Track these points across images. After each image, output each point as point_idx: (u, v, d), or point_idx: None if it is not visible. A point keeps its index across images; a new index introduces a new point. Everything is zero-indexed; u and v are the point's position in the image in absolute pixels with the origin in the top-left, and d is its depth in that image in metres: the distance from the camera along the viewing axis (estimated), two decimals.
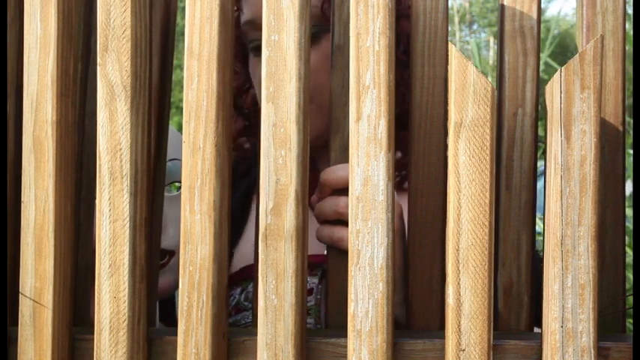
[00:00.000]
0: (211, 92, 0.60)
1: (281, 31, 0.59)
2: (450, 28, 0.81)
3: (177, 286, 0.91)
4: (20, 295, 0.62)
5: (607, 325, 0.65)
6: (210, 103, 0.60)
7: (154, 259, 0.71)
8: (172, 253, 0.87)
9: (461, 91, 0.56)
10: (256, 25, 0.84)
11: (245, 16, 0.87)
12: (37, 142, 0.61)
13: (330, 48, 0.69)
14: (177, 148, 0.84)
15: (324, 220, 0.70)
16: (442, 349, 0.60)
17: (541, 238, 0.78)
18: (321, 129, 0.80)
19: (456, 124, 0.56)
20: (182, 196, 0.60)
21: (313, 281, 0.90)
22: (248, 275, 0.94)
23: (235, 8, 0.89)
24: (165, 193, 0.88)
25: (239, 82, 0.97)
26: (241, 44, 0.93)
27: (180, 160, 0.81)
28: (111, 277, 0.60)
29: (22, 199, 0.62)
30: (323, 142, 0.73)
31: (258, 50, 0.86)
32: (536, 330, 0.65)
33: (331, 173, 0.67)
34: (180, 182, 0.88)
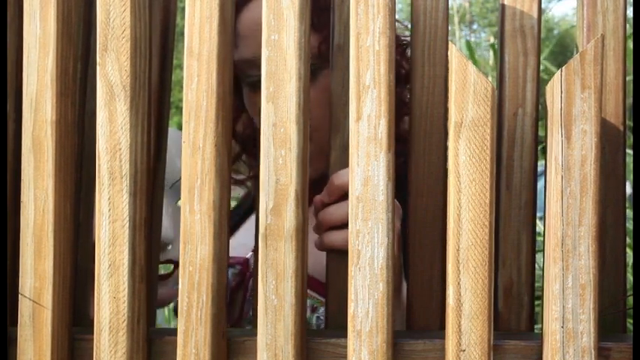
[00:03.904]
0: (211, 92, 0.60)
1: (281, 31, 0.59)
2: (450, 28, 0.81)
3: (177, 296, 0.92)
4: (20, 296, 0.61)
5: (607, 325, 0.65)
6: (209, 103, 0.60)
7: (154, 259, 0.71)
8: (178, 265, 0.88)
9: (461, 91, 0.56)
10: (254, 63, 0.85)
11: (242, 54, 0.87)
12: (36, 142, 0.61)
13: (329, 83, 0.69)
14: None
15: (330, 227, 0.69)
16: (442, 350, 0.60)
17: (541, 238, 0.78)
18: (323, 169, 0.79)
19: (456, 124, 0.56)
20: (182, 196, 0.60)
21: None
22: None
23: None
24: (178, 205, 0.88)
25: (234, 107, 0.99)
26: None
27: None
28: (110, 277, 0.60)
29: (22, 199, 0.62)
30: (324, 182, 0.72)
31: (254, 85, 0.88)
32: None
33: (346, 176, 0.66)
34: None
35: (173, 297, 0.90)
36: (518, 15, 0.66)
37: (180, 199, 0.89)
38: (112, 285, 0.60)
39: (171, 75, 0.74)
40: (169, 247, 0.86)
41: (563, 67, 0.56)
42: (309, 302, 0.89)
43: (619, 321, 0.66)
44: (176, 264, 0.88)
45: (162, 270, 0.88)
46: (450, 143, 0.57)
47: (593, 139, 0.56)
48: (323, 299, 0.84)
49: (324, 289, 0.77)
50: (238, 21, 0.88)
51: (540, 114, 0.67)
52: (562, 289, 0.56)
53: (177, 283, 0.89)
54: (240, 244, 1.00)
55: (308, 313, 0.89)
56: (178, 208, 0.87)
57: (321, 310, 0.87)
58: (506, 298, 0.66)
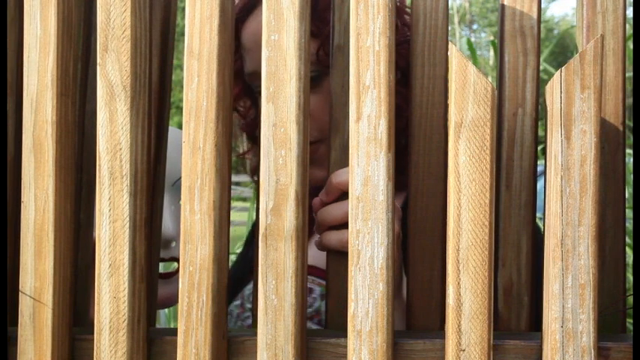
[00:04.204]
0: (211, 92, 0.60)
1: (281, 31, 0.59)
2: (449, 28, 0.81)
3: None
4: (20, 296, 0.62)
5: (607, 325, 0.65)
6: (210, 103, 0.60)
7: (154, 259, 0.71)
8: None
9: (461, 91, 0.56)
10: (259, 75, 0.88)
11: (248, 68, 0.91)
12: (37, 142, 0.61)
13: (330, 87, 0.69)
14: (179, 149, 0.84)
15: (328, 227, 0.69)
16: (442, 349, 0.60)
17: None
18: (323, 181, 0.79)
19: (456, 124, 0.56)
20: (182, 196, 0.61)
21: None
22: None
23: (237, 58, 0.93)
24: (181, 204, 0.89)
25: (252, 117, 1.00)
26: (246, 83, 0.95)
27: None
28: (111, 277, 0.60)
29: (22, 199, 0.62)
30: None
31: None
32: None
33: (344, 175, 0.67)
34: None
35: (177, 296, 0.90)
36: (518, 15, 0.66)
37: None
38: (112, 285, 0.60)
39: (172, 75, 0.74)
40: (173, 244, 0.86)
41: (563, 68, 0.56)
42: (318, 290, 0.89)
43: (619, 321, 0.66)
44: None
45: (162, 269, 0.88)
46: (450, 143, 0.57)
47: (592, 139, 0.56)
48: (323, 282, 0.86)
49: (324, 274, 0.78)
50: (241, 34, 0.90)
51: (540, 114, 0.67)
52: (562, 288, 0.56)
53: None
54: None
55: (318, 302, 0.89)
56: (181, 207, 0.87)
57: (317, 290, 0.87)
58: (506, 298, 0.66)
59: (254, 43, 0.88)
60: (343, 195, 0.67)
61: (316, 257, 0.85)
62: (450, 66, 0.57)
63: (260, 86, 0.90)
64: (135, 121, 0.60)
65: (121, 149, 0.60)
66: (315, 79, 0.84)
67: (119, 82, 0.60)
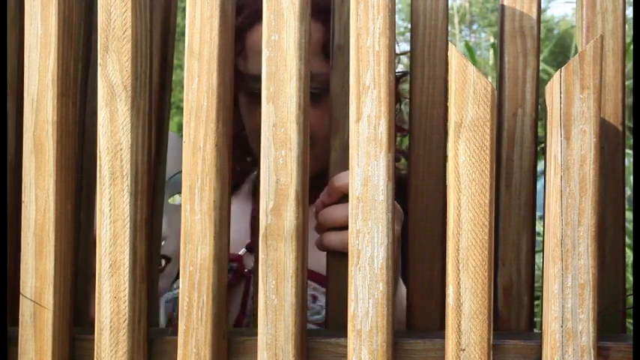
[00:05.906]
0: (212, 92, 0.60)
1: (281, 31, 0.59)
2: (449, 30, 0.81)
3: (166, 292, 0.93)
4: (21, 296, 0.62)
5: (607, 325, 0.65)
6: (210, 103, 0.60)
7: (154, 259, 0.71)
8: (169, 260, 0.88)
9: (461, 91, 0.56)
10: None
11: (251, 70, 0.88)
12: (37, 142, 0.61)
13: (328, 106, 0.69)
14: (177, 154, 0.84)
15: (329, 228, 0.69)
16: (442, 349, 0.60)
17: (541, 238, 0.78)
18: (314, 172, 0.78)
19: (456, 124, 0.56)
20: (182, 196, 0.61)
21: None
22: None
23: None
24: (170, 202, 0.89)
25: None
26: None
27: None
28: (111, 277, 0.60)
29: (23, 199, 0.62)
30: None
31: (254, 95, 0.88)
32: None
33: (346, 178, 0.66)
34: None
35: (162, 292, 0.91)
36: (518, 15, 0.66)
37: (172, 195, 0.90)
38: (112, 285, 0.60)
39: (172, 75, 0.75)
40: (162, 242, 0.86)
41: (563, 68, 0.56)
42: (324, 299, 0.90)
43: (618, 321, 0.66)
44: (168, 259, 0.88)
45: None
46: (450, 143, 0.57)
47: (592, 139, 0.56)
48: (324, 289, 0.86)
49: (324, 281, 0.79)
50: (250, 35, 0.89)
51: (540, 114, 0.67)
52: (561, 288, 0.56)
53: (168, 279, 0.89)
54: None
55: (309, 303, 0.90)
56: (170, 205, 0.87)
57: (323, 299, 0.88)
58: (505, 297, 0.66)
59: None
60: (344, 197, 0.68)
61: (322, 264, 0.86)
62: (449, 66, 0.57)
63: (255, 87, 0.89)
64: (135, 121, 0.61)
65: (121, 149, 0.60)
66: (316, 96, 0.84)
67: (120, 83, 0.60)
